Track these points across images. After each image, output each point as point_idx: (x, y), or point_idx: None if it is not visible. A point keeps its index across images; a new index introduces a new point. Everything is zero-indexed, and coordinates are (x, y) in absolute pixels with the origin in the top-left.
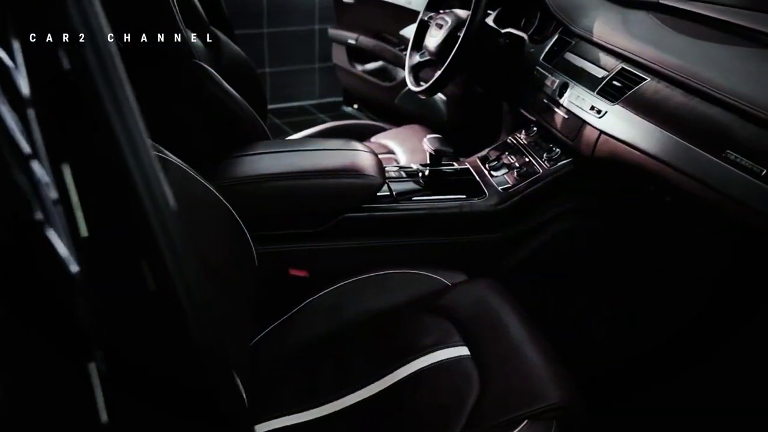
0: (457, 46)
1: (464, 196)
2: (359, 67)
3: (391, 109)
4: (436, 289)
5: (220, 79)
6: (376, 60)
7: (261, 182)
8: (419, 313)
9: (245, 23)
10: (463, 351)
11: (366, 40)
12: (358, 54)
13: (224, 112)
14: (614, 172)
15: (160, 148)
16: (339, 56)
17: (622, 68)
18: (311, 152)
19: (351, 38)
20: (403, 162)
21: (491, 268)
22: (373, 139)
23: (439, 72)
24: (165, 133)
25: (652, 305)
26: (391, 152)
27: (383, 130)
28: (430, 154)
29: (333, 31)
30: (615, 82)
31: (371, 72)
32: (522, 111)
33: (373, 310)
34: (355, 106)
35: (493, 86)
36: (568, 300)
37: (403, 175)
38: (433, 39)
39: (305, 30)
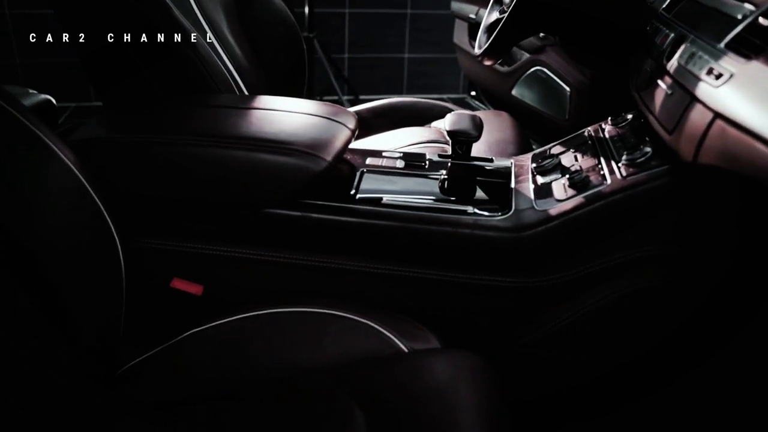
0: None
1: (472, 208)
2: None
3: (508, 100)
4: (382, 355)
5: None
6: None
7: (143, 145)
8: (332, 394)
9: (386, 1)
10: None
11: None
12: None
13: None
14: (735, 194)
15: None
16: (460, 35)
17: None
18: (254, 112)
19: (472, 12)
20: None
21: (492, 336)
22: (434, 123)
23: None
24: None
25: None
26: (446, 142)
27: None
28: (451, 141)
29: (456, 4)
30: (763, 22)
31: None
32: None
33: (277, 366)
34: (473, 93)
35: (596, 59)
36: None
37: (399, 165)
38: None
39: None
